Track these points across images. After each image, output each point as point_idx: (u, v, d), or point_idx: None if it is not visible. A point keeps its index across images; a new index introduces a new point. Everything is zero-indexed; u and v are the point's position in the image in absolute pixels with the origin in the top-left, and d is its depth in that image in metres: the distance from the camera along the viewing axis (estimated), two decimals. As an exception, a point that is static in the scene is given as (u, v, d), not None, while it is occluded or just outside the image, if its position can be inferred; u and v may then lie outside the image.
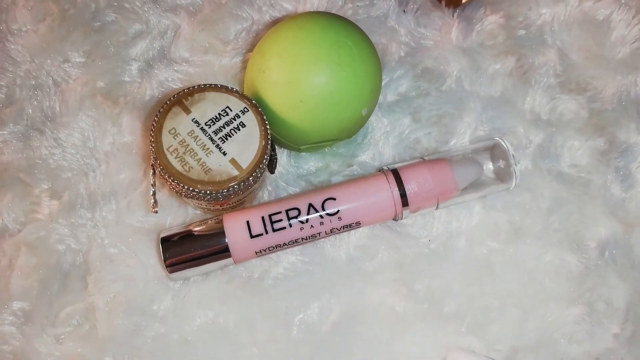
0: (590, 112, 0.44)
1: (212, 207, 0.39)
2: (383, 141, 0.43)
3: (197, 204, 0.38)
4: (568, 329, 0.40)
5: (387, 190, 0.39)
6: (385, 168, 0.40)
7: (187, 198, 0.35)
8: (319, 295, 0.40)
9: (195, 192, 0.34)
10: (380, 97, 0.44)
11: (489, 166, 0.42)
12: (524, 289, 0.40)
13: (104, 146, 0.42)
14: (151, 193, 0.36)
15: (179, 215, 0.41)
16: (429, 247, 0.41)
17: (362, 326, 0.39)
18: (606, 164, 0.43)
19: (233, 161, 0.34)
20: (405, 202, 0.39)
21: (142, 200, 0.41)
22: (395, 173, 0.39)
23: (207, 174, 0.34)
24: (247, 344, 0.39)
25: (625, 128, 0.44)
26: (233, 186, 0.34)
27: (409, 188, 0.39)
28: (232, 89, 0.37)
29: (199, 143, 0.35)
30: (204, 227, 0.39)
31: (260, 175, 0.36)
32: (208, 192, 0.34)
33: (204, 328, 0.39)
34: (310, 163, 0.43)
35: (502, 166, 0.41)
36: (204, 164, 0.34)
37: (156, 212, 0.36)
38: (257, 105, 0.37)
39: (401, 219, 0.40)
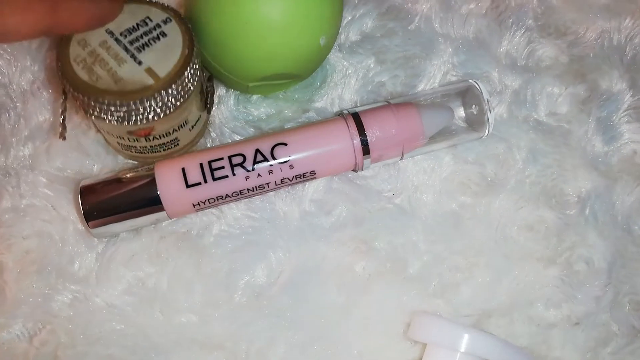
0: (570, 58, 0.40)
1: (140, 150, 0.34)
2: (344, 85, 0.38)
3: (120, 142, 0.33)
4: (545, 292, 0.36)
5: (346, 136, 0.34)
6: (345, 112, 0.35)
7: (98, 120, 0.30)
8: (267, 255, 0.35)
9: (104, 105, 0.29)
10: (342, 37, 0.40)
11: (460, 113, 0.37)
12: (497, 247, 0.36)
13: (22, 84, 0.36)
14: (60, 118, 0.31)
15: (107, 164, 0.36)
16: (392, 202, 0.36)
17: (315, 289, 0.35)
18: (587, 112, 0.39)
19: (149, 70, 0.29)
20: (366, 150, 0.34)
21: (63, 146, 0.35)
22: (356, 117, 0.35)
23: (117, 84, 0.29)
24: (182, 310, 0.33)
25: (607, 76, 0.40)
26: (148, 98, 0.29)
27: (371, 134, 0.34)
28: (155, 1, 0.32)
29: (111, 53, 0.30)
30: (132, 174, 0.33)
31: (183, 92, 0.30)
32: (118, 105, 0.29)
33: (131, 291, 0.33)
34: (261, 109, 0.38)
35: (475, 112, 0.37)
36: (114, 73, 0.29)
37: (64, 139, 0.31)
38: (181, 15, 0.32)
39: (362, 169, 0.35)
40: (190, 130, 0.35)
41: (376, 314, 0.34)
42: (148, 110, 0.30)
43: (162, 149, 0.34)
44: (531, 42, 0.40)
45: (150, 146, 0.34)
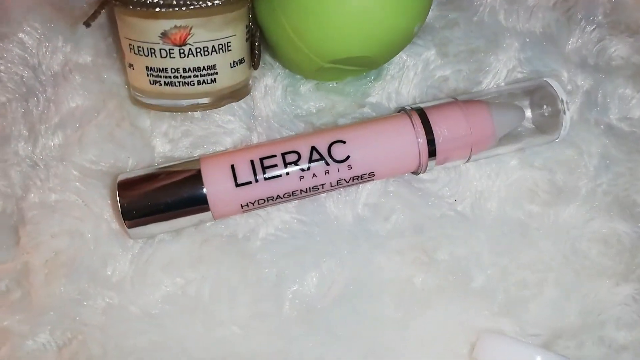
0: (643, 58, 0.37)
1: (172, 77, 0.29)
2: (402, 79, 0.35)
3: (149, 67, 0.29)
4: (617, 311, 0.33)
5: (411, 135, 0.31)
6: (408, 107, 0.32)
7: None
8: (319, 263, 0.32)
9: None
10: (398, 28, 0.36)
11: (528, 114, 0.34)
12: (566, 261, 0.33)
13: (53, 66, 0.33)
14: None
15: (143, 157, 0.32)
16: (454, 209, 0.33)
17: (370, 302, 0.32)
18: (663, 118, 0.36)
19: None
20: (432, 151, 0.31)
21: (98, 136, 0.32)
22: (422, 114, 0.31)
23: None
24: (225, 321, 0.30)
25: (683, 79, 0.37)
26: None
27: (438, 133, 0.31)
28: None
29: None
30: (175, 170, 0.30)
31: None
32: None
33: (171, 299, 0.30)
34: (311, 102, 0.35)
35: (546, 114, 0.34)
36: None
37: (88, 25, 0.27)
38: None
39: (424, 171, 0.32)
40: (231, 66, 0.30)
41: (436, 332, 0.31)
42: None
43: (197, 80, 0.29)
44: (601, 39, 0.37)
45: (184, 69, 0.29)
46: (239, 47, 0.30)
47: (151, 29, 0.28)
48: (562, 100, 0.33)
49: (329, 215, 0.33)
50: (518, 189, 0.34)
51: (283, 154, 0.30)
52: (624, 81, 0.37)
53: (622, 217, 0.34)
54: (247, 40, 0.31)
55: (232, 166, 0.30)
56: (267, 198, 0.30)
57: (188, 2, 0.27)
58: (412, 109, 0.32)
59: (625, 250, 0.34)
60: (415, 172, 0.33)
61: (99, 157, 0.32)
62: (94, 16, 0.29)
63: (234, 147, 0.33)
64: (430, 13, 0.36)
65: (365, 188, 0.33)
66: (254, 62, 0.32)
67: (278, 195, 0.30)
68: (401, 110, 0.33)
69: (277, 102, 0.34)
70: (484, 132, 0.32)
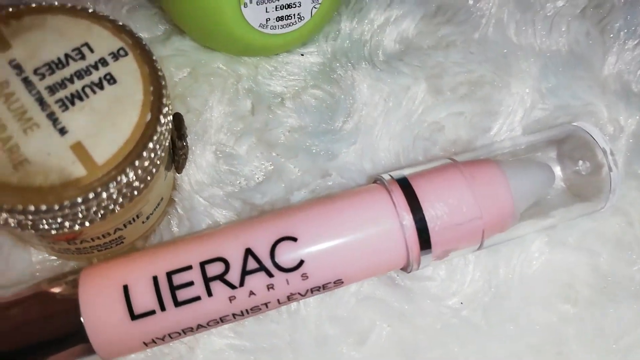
0: None
1: (62, 251, 0.21)
2: (380, 126, 0.25)
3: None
4: None
5: (392, 217, 0.21)
6: (386, 177, 0.22)
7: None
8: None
9: None
10: (374, 48, 0.26)
11: (557, 171, 0.24)
12: (619, 382, 0.24)
13: None
14: None
15: (15, 264, 0.22)
16: (459, 315, 0.23)
17: None
18: None
19: (78, 147, 0.17)
20: (425, 241, 0.21)
21: None
22: (405, 185, 0.21)
23: (17, 170, 0.16)
24: None
25: None
26: (72, 201, 0.16)
27: (432, 214, 0.21)
28: (102, 13, 0.19)
29: (13, 107, 0.17)
30: (46, 292, 0.20)
31: (138, 184, 0.18)
32: (17, 211, 0.16)
33: None
34: (253, 164, 0.25)
35: (584, 172, 0.24)
36: (15, 148, 0.17)
37: None
38: (145, 44, 0.19)
39: (417, 268, 0.22)
40: (143, 222, 0.22)
41: None
42: (70, 217, 0.17)
43: (96, 250, 0.21)
44: (649, 57, 0.27)
45: (77, 249, 0.21)
46: (155, 199, 0.22)
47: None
48: (604, 151, 0.23)
49: (282, 338, 0.23)
50: (547, 282, 0.24)
51: (202, 264, 0.20)
52: (682, 115, 0.27)
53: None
54: (166, 165, 0.21)
55: (125, 288, 0.20)
56: (184, 330, 0.20)
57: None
58: (392, 178, 0.22)
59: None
60: (405, 269, 0.23)
61: None
62: None
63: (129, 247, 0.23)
64: (412, 27, 0.26)
65: (332, 295, 0.23)
66: (175, 163, 0.22)
67: (200, 325, 0.20)
68: (377, 181, 0.23)
69: (205, 168, 0.24)
70: (499, 209, 0.22)
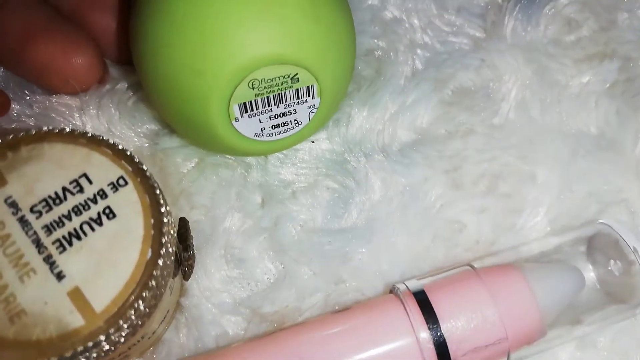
0: None
1: None
2: (396, 224, 0.24)
3: None
4: None
5: (408, 334, 0.20)
6: (400, 288, 0.21)
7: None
8: None
9: None
10: (387, 138, 0.25)
11: (588, 273, 0.23)
12: None
13: None
14: None
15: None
16: None
17: None
18: None
19: (76, 293, 0.16)
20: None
21: None
22: (422, 299, 0.20)
23: (14, 323, 0.16)
24: None
25: None
26: (73, 354, 0.15)
27: (450, 330, 0.20)
28: (101, 137, 0.18)
29: (10, 251, 0.17)
30: None
31: (138, 322, 0.17)
32: None
33: None
34: (264, 263, 0.23)
35: (617, 272, 0.22)
36: (12, 298, 0.16)
37: None
38: (146, 170, 0.18)
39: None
40: (149, 338, 0.21)
41: None
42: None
43: None
44: (686, 135, 0.25)
45: None
46: (157, 320, 0.20)
47: None
48: (635, 250, 0.22)
49: None
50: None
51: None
52: None
53: None
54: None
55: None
56: None
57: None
58: (408, 289, 0.21)
59: None
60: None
61: None
62: None
63: None
64: (427, 115, 0.25)
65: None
66: (182, 271, 0.21)
67: None
68: (391, 292, 0.21)
69: (212, 275, 0.23)
70: (526, 326, 0.20)
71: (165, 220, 0.18)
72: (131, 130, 0.25)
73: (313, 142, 0.26)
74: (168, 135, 0.25)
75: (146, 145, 0.25)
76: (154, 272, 0.17)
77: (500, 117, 0.25)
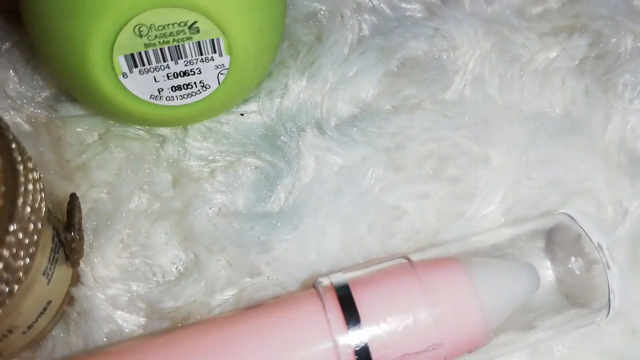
0: None
1: None
2: (328, 209, 0.20)
3: None
4: None
5: (325, 337, 0.16)
6: (323, 282, 0.18)
7: None
8: None
9: None
10: (324, 112, 0.22)
11: (545, 271, 0.20)
12: None
13: None
14: None
15: None
16: None
17: None
18: None
19: None
20: (366, 365, 0.17)
21: None
22: (344, 295, 0.17)
23: None
24: None
25: None
26: None
27: (375, 333, 0.16)
28: None
29: None
30: None
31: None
32: None
33: None
34: (172, 252, 0.20)
35: (578, 271, 0.19)
36: None
37: None
38: (5, 125, 0.15)
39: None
40: (24, 333, 0.17)
41: None
42: None
43: None
44: (660, 120, 0.23)
45: None
46: (35, 306, 0.17)
47: None
48: (600, 249, 0.19)
49: None
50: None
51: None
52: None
53: None
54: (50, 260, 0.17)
55: None
56: None
57: None
58: (332, 284, 0.17)
59: None
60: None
61: None
62: None
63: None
64: (371, 88, 0.22)
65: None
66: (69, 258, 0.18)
67: None
68: (314, 286, 0.18)
69: (108, 261, 0.20)
70: (466, 331, 0.17)
71: (23, 189, 0.14)
72: (29, 93, 0.22)
73: (242, 114, 0.22)
74: (71, 102, 0.22)
75: (41, 111, 0.21)
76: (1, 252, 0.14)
77: (454, 92, 0.22)
